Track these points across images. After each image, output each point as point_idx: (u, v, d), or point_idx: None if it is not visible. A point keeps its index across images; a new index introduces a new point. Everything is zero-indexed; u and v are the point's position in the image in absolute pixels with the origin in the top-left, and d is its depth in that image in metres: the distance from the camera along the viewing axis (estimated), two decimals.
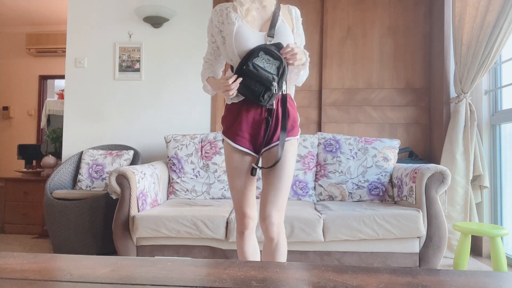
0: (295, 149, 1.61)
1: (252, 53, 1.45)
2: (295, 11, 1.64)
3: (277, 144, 1.53)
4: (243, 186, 1.59)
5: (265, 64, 1.45)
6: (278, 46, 1.48)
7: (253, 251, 1.64)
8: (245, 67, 1.44)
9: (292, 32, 1.59)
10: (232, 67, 1.58)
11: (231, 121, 1.59)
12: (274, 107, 1.53)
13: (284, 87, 1.50)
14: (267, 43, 1.49)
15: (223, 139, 1.63)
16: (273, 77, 1.44)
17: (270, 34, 1.51)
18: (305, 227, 2.21)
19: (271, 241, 1.55)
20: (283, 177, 1.54)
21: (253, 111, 1.55)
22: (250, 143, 1.57)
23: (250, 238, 1.64)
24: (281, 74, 1.46)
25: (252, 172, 1.57)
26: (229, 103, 1.60)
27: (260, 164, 1.60)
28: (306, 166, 2.87)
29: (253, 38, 1.50)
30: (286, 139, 1.54)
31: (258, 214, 1.63)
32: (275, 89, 1.45)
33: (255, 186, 1.64)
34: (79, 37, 3.49)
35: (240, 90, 1.48)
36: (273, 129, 1.56)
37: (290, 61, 1.47)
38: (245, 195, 1.60)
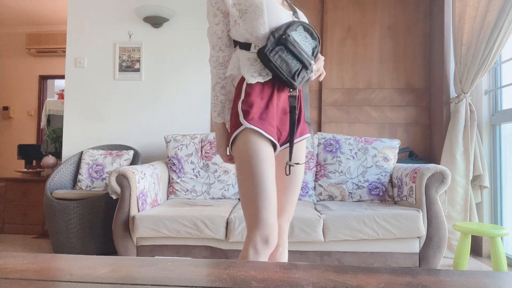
0: (305, 148, 1.45)
1: (291, 25, 1.26)
2: None
3: (302, 140, 1.41)
4: (274, 191, 1.27)
5: (301, 41, 1.27)
6: (312, 27, 1.33)
7: None
8: (285, 36, 1.23)
9: None
10: (246, 46, 1.33)
11: (259, 105, 1.29)
12: (297, 94, 1.34)
13: (313, 74, 1.32)
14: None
15: (242, 129, 1.28)
16: (310, 56, 1.27)
17: (297, 17, 1.36)
18: (305, 227, 2.21)
19: (278, 247, 1.44)
20: (298, 185, 1.42)
21: (283, 99, 1.33)
22: (276, 137, 1.33)
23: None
24: (315, 55, 1.31)
25: (287, 170, 1.31)
26: (253, 82, 1.29)
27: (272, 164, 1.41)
28: (306, 166, 2.87)
29: (284, 14, 1.33)
30: (304, 137, 1.42)
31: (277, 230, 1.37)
32: (312, 69, 1.26)
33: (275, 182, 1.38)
34: (79, 37, 3.50)
35: (275, 62, 1.23)
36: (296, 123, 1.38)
37: (320, 78, 1.38)
38: (275, 202, 1.27)
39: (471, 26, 2.78)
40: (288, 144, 1.39)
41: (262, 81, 1.30)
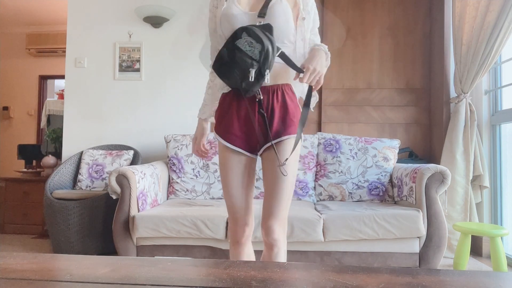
0: (297, 149, 1.42)
1: (235, 35, 1.29)
2: None
3: (278, 142, 1.38)
4: (240, 191, 1.43)
5: (247, 47, 1.26)
6: (265, 27, 1.30)
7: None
8: (221, 52, 1.30)
9: (297, 17, 1.41)
10: None
11: (221, 116, 1.44)
12: (261, 96, 1.36)
13: (267, 76, 1.29)
14: (257, 23, 1.31)
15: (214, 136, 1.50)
16: (252, 63, 1.26)
17: (261, 14, 1.33)
18: (305, 227, 2.21)
19: (272, 248, 1.43)
20: (285, 185, 1.39)
21: (245, 105, 1.38)
22: (244, 142, 1.42)
23: (246, 247, 1.51)
24: (263, 60, 1.26)
25: (283, 171, 1.37)
26: (219, 94, 1.47)
27: (259, 167, 1.46)
28: (306, 166, 2.87)
29: (241, 18, 1.34)
30: (286, 137, 1.39)
31: (253, 219, 1.51)
32: (252, 77, 1.26)
33: (253, 189, 1.50)
34: (79, 37, 3.49)
35: (220, 76, 1.34)
36: (269, 125, 1.39)
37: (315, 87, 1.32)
38: (242, 200, 1.44)
39: (471, 26, 2.78)
40: (268, 145, 1.40)
41: (226, 91, 1.43)
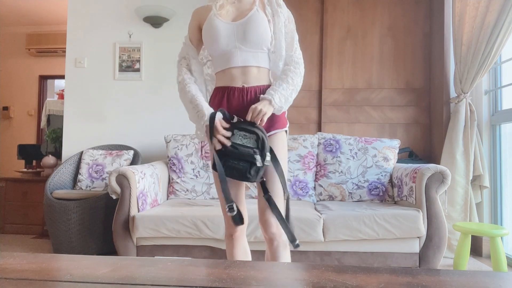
0: (284, 143, 1.52)
1: (232, 134, 1.43)
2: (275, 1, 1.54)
3: (267, 136, 1.46)
4: (232, 188, 1.50)
5: (242, 140, 1.40)
6: (250, 123, 1.44)
7: (243, 254, 1.58)
8: (224, 149, 1.39)
9: (269, 23, 1.51)
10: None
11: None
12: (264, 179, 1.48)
13: (268, 158, 1.40)
14: (236, 32, 1.47)
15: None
16: (253, 150, 1.38)
17: (241, 23, 1.49)
18: (305, 227, 2.21)
19: (271, 242, 1.49)
20: (277, 179, 1.46)
21: (235, 106, 1.48)
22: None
23: (240, 240, 1.58)
24: (261, 146, 1.39)
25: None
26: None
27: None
28: (306, 166, 2.87)
29: (224, 28, 1.48)
30: (273, 132, 1.48)
31: (247, 215, 1.58)
32: (259, 162, 1.37)
33: (244, 185, 1.56)
34: (79, 37, 3.49)
35: (226, 172, 1.40)
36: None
37: (261, 122, 1.43)
38: (234, 196, 1.51)
39: (471, 26, 2.78)
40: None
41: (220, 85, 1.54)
